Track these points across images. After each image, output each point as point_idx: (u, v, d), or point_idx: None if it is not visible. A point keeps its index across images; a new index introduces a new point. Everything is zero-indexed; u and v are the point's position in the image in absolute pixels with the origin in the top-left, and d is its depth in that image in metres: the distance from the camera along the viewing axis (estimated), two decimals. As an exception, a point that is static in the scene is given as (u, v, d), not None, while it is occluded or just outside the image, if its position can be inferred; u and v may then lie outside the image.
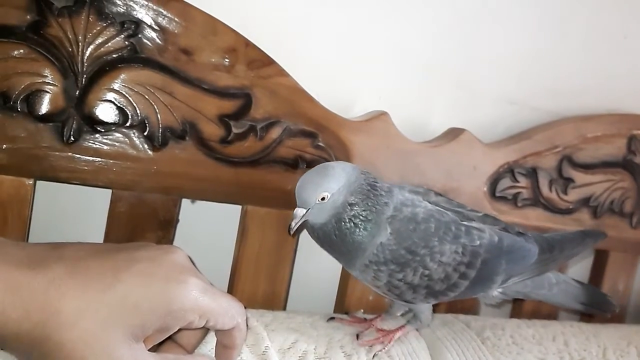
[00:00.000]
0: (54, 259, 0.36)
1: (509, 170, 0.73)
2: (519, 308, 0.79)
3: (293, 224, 0.49)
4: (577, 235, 0.64)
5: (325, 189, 0.49)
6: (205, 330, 0.44)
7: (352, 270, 0.54)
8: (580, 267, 0.85)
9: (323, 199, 0.49)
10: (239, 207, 0.62)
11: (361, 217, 0.50)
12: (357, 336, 0.58)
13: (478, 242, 0.54)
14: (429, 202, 0.54)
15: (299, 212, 0.49)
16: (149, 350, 0.38)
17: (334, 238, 0.51)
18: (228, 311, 0.40)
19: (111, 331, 0.35)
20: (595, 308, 0.69)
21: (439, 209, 0.54)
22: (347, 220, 0.50)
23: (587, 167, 0.77)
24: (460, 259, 0.53)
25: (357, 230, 0.50)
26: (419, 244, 0.51)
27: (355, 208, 0.50)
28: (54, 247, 0.38)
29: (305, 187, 0.49)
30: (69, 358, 0.34)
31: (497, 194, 0.72)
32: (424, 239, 0.52)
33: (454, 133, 0.70)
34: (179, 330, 0.40)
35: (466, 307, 0.74)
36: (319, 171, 0.51)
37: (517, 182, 0.73)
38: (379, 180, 0.53)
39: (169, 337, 0.42)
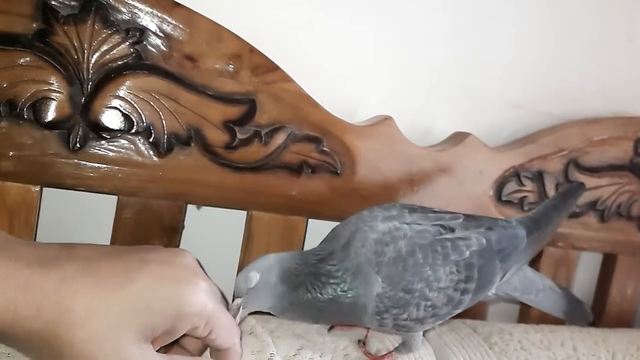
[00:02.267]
0: (65, 258, 0.36)
1: (515, 174, 0.72)
2: (526, 313, 0.78)
3: (234, 317, 0.47)
4: (558, 200, 0.63)
5: (249, 270, 0.48)
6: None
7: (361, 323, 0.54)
8: (588, 272, 0.85)
9: (252, 282, 0.48)
10: (244, 212, 0.62)
11: (336, 275, 0.48)
12: (359, 342, 0.58)
13: (468, 253, 0.52)
14: (406, 224, 0.52)
15: (234, 303, 0.48)
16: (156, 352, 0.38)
17: (322, 307, 0.49)
18: (229, 326, 0.41)
19: (122, 331, 0.35)
20: (574, 316, 0.69)
21: (419, 228, 0.52)
22: (323, 283, 0.48)
23: (593, 171, 0.77)
24: (457, 277, 0.51)
25: (346, 290, 0.48)
26: (414, 280, 0.50)
27: (320, 280, 0.48)
28: (65, 247, 0.38)
29: (237, 279, 0.49)
30: (79, 357, 0.35)
31: (503, 198, 0.72)
32: (417, 273, 0.50)
33: (459, 137, 0.70)
34: (185, 335, 0.40)
35: (473, 311, 0.73)
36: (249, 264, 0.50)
37: (523, 186, 0.73)
38: (338, 233, 0.52)
39: (177, 342, 0.42)
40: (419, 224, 0.52)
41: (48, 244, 0.38)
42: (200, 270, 0.41)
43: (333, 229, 0.54)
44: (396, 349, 0.56)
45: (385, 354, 0.55)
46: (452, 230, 0.53)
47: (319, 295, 0.48)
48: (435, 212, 0.55)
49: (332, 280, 0.49)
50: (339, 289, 0.49)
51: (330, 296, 0.48)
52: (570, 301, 0.68)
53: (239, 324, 0.47)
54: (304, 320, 0.53)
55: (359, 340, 0.58)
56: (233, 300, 0.49)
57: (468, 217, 0.56)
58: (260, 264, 0.49)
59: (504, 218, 0.60)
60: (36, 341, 0.34)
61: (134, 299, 0.36)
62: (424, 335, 0.64)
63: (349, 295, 0.49)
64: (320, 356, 0.55)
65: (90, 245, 0.40)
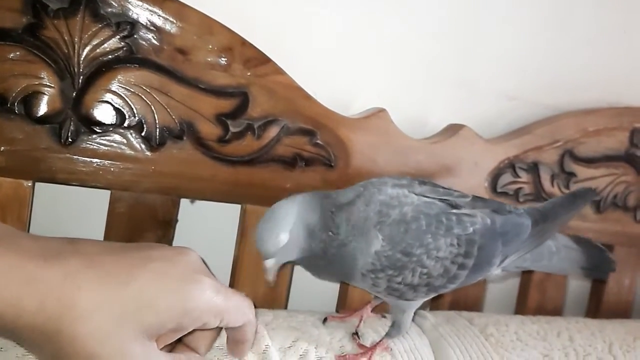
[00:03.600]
0: (70, 252, 0.36)
1: (510, 166, 0.72)
2: (523, 304, 0.78)
3: (270, 277, 0.49)
4: (568, 199, 0.63)
5: (280, 230, 0.48)
6: (217, 332, 0.44)
7: (351, 282, 0.54)
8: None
9: (282, 243, 0.48)
10: (239, 206, 0.62)
11: (341, 235, 0.49)
12: (353, 334, 0.57)
13: (471, 229, 0.52)
14: (415, 194, 0.53)
15: (268, 264, 0.49)
16: (160, 350, 0.38)
17: (326, 259, 0.50)
18: (240, 308, 0.41)
19: (124, 328, 0.35)
20: (595, 270, 0.68)
21: (427, 200, 0.53)
22: (325, 241, 0.49)
23: (589, 161, 0.77)
24: (457, 250, 0.52)
25: (346, 244, 0.49)
26: (414, 244, 0.50)
27: (321, 235, 0.49)
28: (69, 242, 0.38)
29: (261, 238, 0.49)
30: (81, 352, 0.34)
31: (499, 190, 0.72)
32: (418, 238, 0.50)
33: (453, 129, 0.70)
34: (192, 332, 0.40)
35: (470, 303, 0.73)
36: (269, 217, 0.50)
37: (519, 177, 0.73)
38: (349, 190, 0.53)
39: (181, 340, 0.42)
40: (427, 196, 0.53)
41: (51, 238, 0.38)
42: (205, 267, 0.41)
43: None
44: (387, 334, 0.56)
45: (378, 343, 0.55)
46: (459, 207, 0.54)
47: (326, 241, 0.49)
48: (444, 188, 0.55)
49: (336, 229, 0.49)
50: (341, 238, 0.49)
51: (335, 243, 0.49)
52: (589, 254, 0.66)
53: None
54: (321, 271, 0.54)
55: (353, 333, 0.58)
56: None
57: (476, 198, 0.56)
58: (286, 223, 0.49)
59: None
60: (39, 336, 0.34)
61: (138, 296, 0.36)
62: (420, 327, 0.65)
63: (348, 246, 0.49)
64: (315, 348, 0.55)
65: (94, 240, 0.39)
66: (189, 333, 0.40)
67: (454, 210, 0.53)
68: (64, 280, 0.34)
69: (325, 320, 0.59)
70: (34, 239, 0.37)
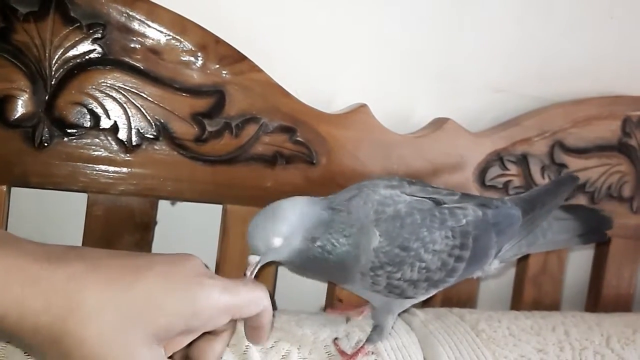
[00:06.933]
0: (73, 256, 0.36)
1: (498, 159, 0.71)
2: (518, 300, 0.76)
3: (248, 273, 0.47)
4: (552, 187, 0.63)
5: (275, 234, 0.47)
6: (225, 343, 0.44)
7: (348, 284, 0.53)
8: (582, 255, 0.83)
9: (273, 246, 0.47)
10: (219, 206, 0.61)
11: (333, 241, 0.48)
12: (334, 340, 0.56)
13: (464, 221, 0.53)
14: (406, 194, 0.53)
15: (252, 259, 0.47)
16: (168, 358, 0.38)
17: (320, 262, 0.48)
18: (252, 300, 0.41)
19: (133, 330, 0.34)
20: (593, 233, 0.66)
21: (417, 198, 0.53)
22: (324, 245, 0.48)
23: (580, 152, 0.75)
24: (453, 242, 0.52)
25: (338, 246, 0.48)
26: (410, 238, 0.50)
27: (320, 241, 0.48)
28: (72, 247, 0.37)
29: (254, 234, 0.47)
30: (88, 356, 0.33)
31: (487, 183, 0.71)
32: (414, 232, 0.51)
33: (438, 123, 0.69)
34: (199, 345, 0.40)
35: (462, 300, 0.72)
36: (267, 214, 0.48)
37: (507, 170, 0.71)
38: (344, 192, 0.52)
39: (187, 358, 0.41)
40: (417, 196, 0.53)
41: (54, 244, 0.37)
42: (208, 271, 0.41)
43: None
44: (368, 339, 0.55)
45: (358, 349, 0.54)
46: (449, 204, 0.54)
47: (326, 246, 0.48)
48: (433, 187, 0.55)
49: (336, 233, 0.49)
50: (341, 240, 0.48)
51: (333, 246, 0.48)
52: (583, 219, 0.65)
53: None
54: (311, 272, 0.53)
55: (334, 339, 0.56)
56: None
57: (464, 195, 0.56)
58: (283, 227, 0.47)
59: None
60: (43, 337, 0.33)
61: (145, 296, 0.35)
62: (409, 324, 0.63)
63: (346, 247, 0.48)
64: (298, 349, 0.54)
65: (97, 248, 0.39)
66: (195, 347, 0.40)
67: (446, 205, 0.53)
68: (68, 281, 0.34)
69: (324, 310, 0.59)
70: (37, 244, 0.36)
